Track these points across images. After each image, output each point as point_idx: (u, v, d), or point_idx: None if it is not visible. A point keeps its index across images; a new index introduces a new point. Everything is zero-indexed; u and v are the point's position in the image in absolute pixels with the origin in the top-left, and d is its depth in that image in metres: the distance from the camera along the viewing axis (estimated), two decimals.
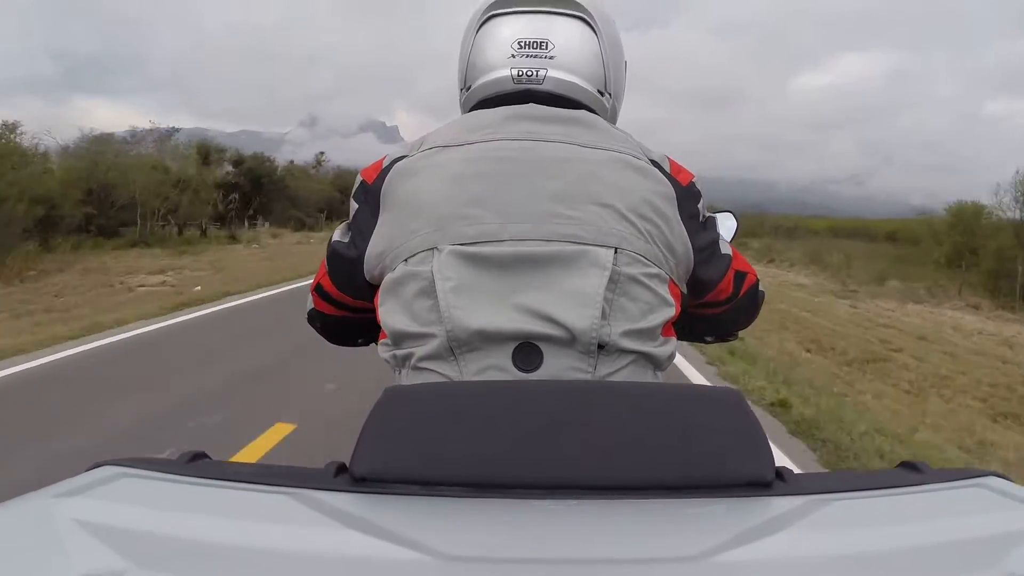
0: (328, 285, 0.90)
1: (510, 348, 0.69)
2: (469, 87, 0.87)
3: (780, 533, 0.49)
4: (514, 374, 0.68)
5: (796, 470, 0.58)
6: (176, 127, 27.90)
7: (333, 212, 39.64)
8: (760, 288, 0.96)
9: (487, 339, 0.68)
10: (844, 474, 0.68)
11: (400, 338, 0.73)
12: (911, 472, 0.59)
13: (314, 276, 0.94)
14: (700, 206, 0.83)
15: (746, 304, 0.94)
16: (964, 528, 0.49)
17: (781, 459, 3.01)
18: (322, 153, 51.45)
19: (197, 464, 0.57)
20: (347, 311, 0.92)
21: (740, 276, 0.90)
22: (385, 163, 0.82)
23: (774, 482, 0.54)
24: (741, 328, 1.03)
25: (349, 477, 0.53)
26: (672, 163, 0.82)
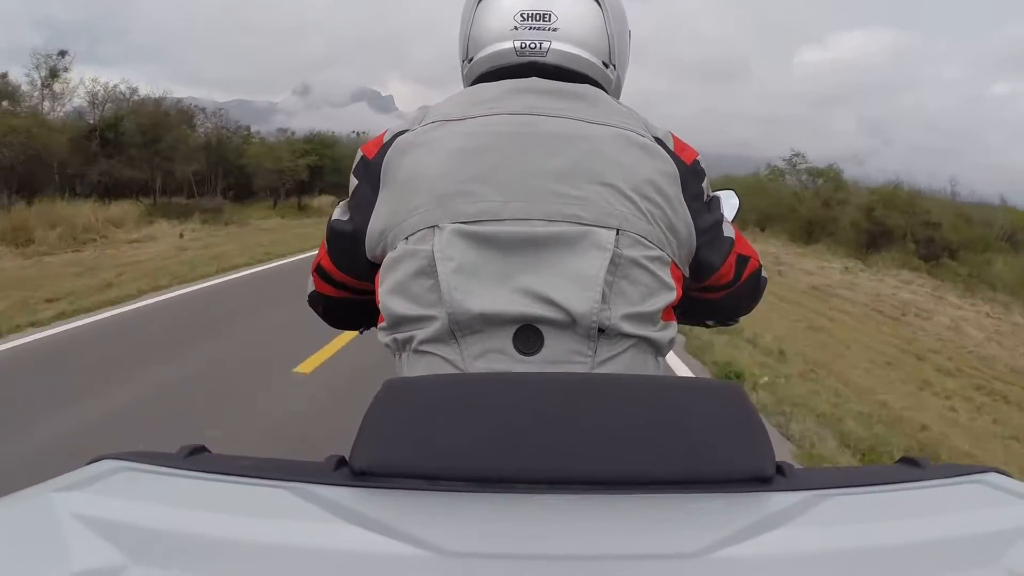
0: (328, 265, 0.89)
1: (511, 331, 0.69)
2: (471, 59, 0.86)
3: (780, 529, 0.49)
4: (515, 357, 0.68)
5: (796, 465, 0.59)
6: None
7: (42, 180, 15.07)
8: (763, 274, 0.95)
9: (488, 322, 0.68)
10: (845, 469, 0.69)
11: (399, 321, 0.73)
12: (912, 468, 0.60)
13: (315, 256, 0.92)
14: (704, 185, 0.82)
15: (748, 289, 0.93)
16: (964, 524, 0.50)
17: None
18: (63, 53, 18.74)
19: (196, 458, 0.57)
20: (348, 292, 0.91)
21: (742, 260, 0.89)
22: (386, 138, 0.80)
23: (774, 477, 0.54)
24: (743, 314, 1.02)
25: (349, 471, 0.53)
26: (676, 140, 0.81)
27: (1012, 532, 0.47)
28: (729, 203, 1.07)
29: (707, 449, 0.55)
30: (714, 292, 0.91)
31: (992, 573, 0.41)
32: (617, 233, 0.70)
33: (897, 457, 0.63)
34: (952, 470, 0.59)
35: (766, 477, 0.54)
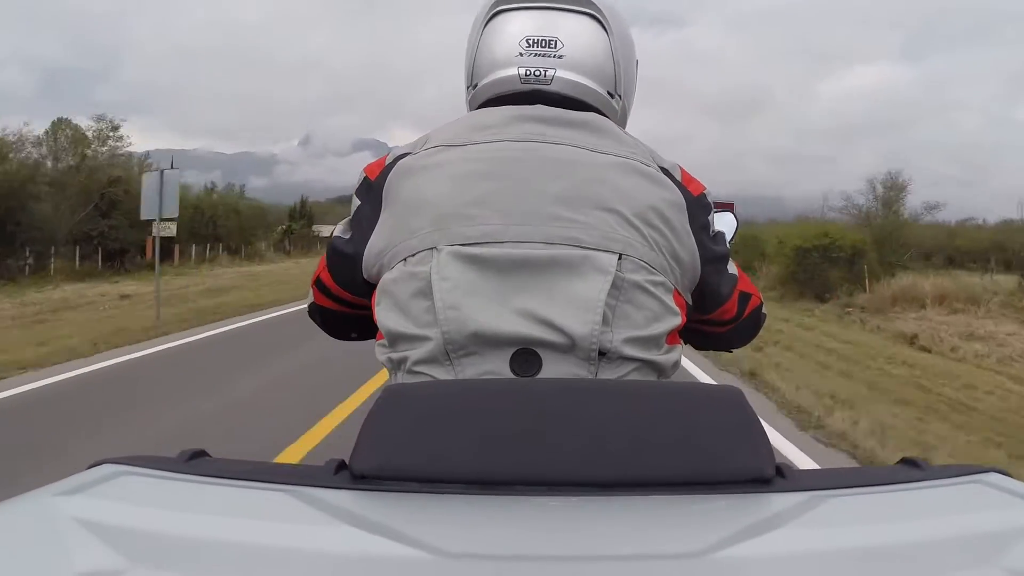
0: (327, 279, 0.89)
1: (508, 353, 0.67)
2: (475, 85, 0.85)
3: (781, 529, 0.49)
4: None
5: (796, 467, 0.58)
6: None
7: None
8: (763, 311, 0.94)
9: (484, 342, 0.67)
10: (845, 470, 0.68)
11: (396, 339, 0.72)
12: (912, 468, 0.60)
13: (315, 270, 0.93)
14: (710, 218, 0.81)
15: (748, 325, 0.93)
16: (965, 524, 0.49)
17: None
18: None
19: (197, 462, 0.57)
20: (345, 307, 0.91)
21: (744, 298, 0.88)
22: (388, 160, 0.80)
23: (774, 478, 0.54)
24: (740, 346, 1.02)
25: (349, 475, 0.53)
26: (684, 172, 0.80)
27: (1012, 532, 0.47)
28: (725, 220, 1.06)
29: (707, 451, 0.54)
30: (718, 327, 0.90)
31: (992, 573, 0.41)
32: (620, 258, 0.69)
33: None
34: (952, 471, 0.59)
35: (766, 478, 0.54)
